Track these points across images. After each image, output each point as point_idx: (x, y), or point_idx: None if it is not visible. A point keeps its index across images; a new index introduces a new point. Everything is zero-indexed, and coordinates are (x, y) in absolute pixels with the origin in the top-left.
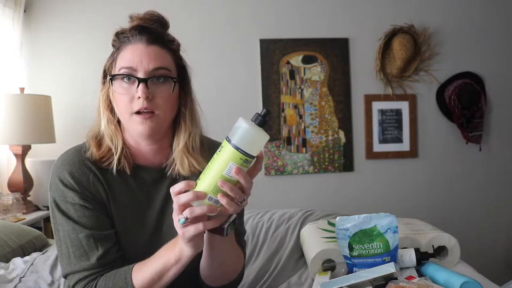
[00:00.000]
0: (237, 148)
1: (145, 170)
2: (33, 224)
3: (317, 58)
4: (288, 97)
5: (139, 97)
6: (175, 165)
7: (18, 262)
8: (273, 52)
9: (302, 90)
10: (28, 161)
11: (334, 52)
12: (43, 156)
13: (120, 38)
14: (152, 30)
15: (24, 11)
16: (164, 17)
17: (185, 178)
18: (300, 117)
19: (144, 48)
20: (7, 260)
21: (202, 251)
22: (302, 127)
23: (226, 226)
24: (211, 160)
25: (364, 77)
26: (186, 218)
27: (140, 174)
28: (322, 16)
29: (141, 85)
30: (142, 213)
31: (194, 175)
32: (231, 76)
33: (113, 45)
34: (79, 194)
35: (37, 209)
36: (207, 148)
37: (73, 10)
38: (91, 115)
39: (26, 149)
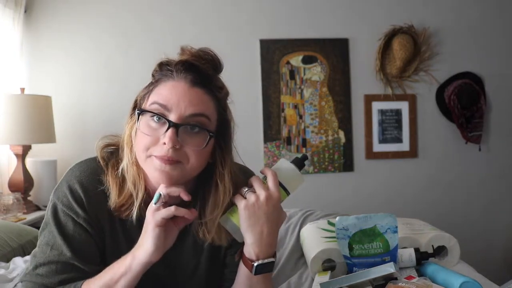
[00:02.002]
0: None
1: None
2: (34, 224)
3: (317, 58)
4: (288, 97)
5: (165, 143)
6: (205, 231)
7: (18, 262)
8: (273, 52)
9: (302, 90)
10: (28, 161)
11: (334, 52)
12: (44, 156)
13: (163, 70)
14: (201, 70)
15: (25, 12)
16: (219, 59)
17: (214, 246)
18: (300, 117)
19: (186, 88)
20: (8, 260)
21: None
22: (302, 127)
23: (255, 264)
24: None
25: (364, 77)
26: (160, 195)
27: None
28: (322, 16)
29: (170, 130)
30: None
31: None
32: (231, 76)
33: (152, 75)
34: (85, 212)
35: (38, 209)
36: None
37: (74, 11)
38: (91, 115)
39: (26, 149)
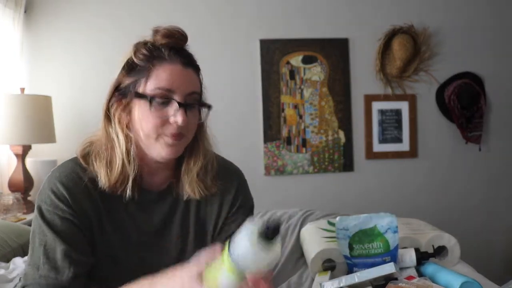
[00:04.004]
0: (237, 266)
1: (145, 191)
2: None
3: (317, 58)
4: (288, 97)
5: (176, 122)
6: (182, 187)
7: (18, 262)
8: (273, 52)
9: (302, 90)
10: (28, 161)
11: (334, 52)
12: (44, 156)
13: (153, 53)
14: (188, 53)
15: (25, 12)
16: (185, 33)
17: (187, 201)
18: (300, 117)
19: (181, 70)
20: (8, 260)
21: None
22: (302, 127)
23: None
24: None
25: (364, 77)
26: None
27: (141, 195)
28: (322, 16)
29: (181, 111)
30: (139, 233)
31: (202, 199)
32: (231, 76)
33: (140, 60)
34: (70, 208)
35: None
36: (221, 174)
37: (74, 11)
38: (91, 115)
39: (26, 149)
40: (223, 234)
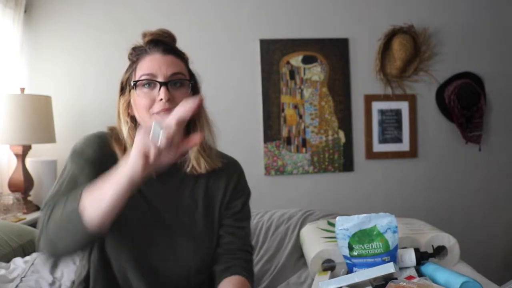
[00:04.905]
0: None
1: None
2: (34, 224)
3: (317, 58)
4: (288, 97)
5: (161, 99)
6: (190, 163)
7: (18, 262)
8: (273, 52)
9: (302, 90)
10: (28, 161)
11: (334, 52)
12: (44, 156)
13: (137, 51)
14: (166, 42)
15: (25, 12)
16: (173, 34)
17: (196, 177)
18: (300, 117)
19: (161, 57)
20: (8, 260)
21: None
22: (302, 127)
23: None
24: None
25: (364, 77)
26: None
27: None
28: (322, 16)
29: (162, 88)
30: (152, 204)
31: (208, 173)
32: (231, 76)
33: (130, 59)
34: (94, 153)
35: (38, 209)
36: (223, 159)
37: (73, 11)
38: (91, 115)
39: (26, 149)
40: (229, 211)
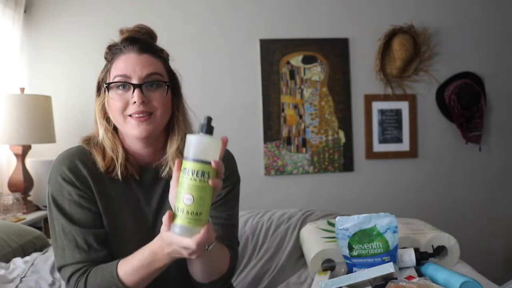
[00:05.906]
0: (196, 160)
1: (144, 170)
2: (33, 224)
3: (317, 58)
4: (288, 97)
5: (135, 102)
6: (169, 166)
7: (18, 262)
8: (273, 52)
9: (302, 90)
10: (28, 161)
11: (334, 52)
12: (43, 156)
13: (112, 50)
14: (142, 40)
15: (25, 11)
16: (152, 30)
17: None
18: (300, 117)
19: (136, 56)
20: (8, 260)
21: None
22: (302, 127)
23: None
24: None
25: (364, 77)
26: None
27: (142, 174)
28: (322, 16)
29: (136, 91)
30: (139, 212)
31: None
32: (231, 76)
33: (105, 58)
34: (76, 190)
35: (37, 209)
36: None
37: (73, 11)
38: (91, 115)
39: (26, 149)
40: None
